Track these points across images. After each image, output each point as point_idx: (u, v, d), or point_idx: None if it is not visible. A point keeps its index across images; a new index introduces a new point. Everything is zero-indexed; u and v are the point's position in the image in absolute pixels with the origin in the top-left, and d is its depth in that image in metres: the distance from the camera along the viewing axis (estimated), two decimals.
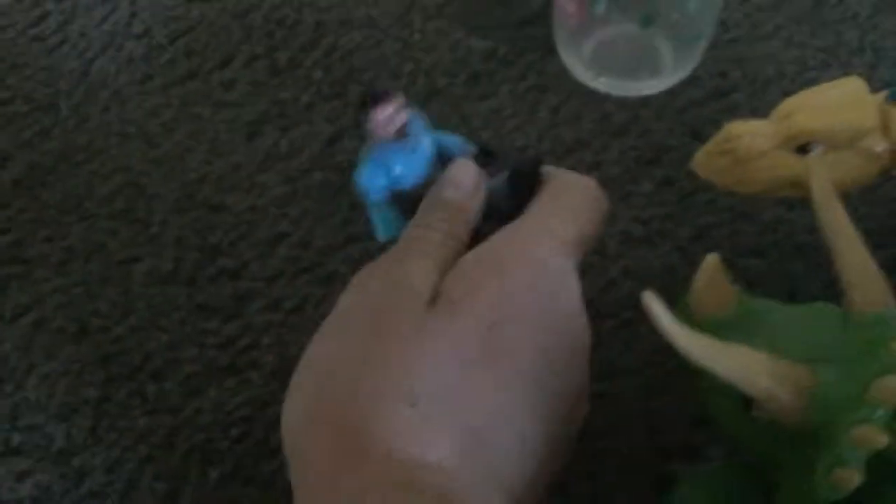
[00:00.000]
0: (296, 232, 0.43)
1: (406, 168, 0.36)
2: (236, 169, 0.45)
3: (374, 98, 0.35)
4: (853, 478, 0.26)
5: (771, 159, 0.39)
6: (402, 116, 0.36)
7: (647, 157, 0.47)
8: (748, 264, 0.43)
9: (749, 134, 0.39)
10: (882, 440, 0.26)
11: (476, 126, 0.48)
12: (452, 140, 0.38)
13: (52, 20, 0.52)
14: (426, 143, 0.37)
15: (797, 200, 0.45)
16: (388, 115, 0.35)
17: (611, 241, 0.43)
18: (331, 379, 0.26)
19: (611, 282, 0.42)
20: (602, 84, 0.49)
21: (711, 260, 0.31)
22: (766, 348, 0.29)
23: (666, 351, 0.39)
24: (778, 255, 0.43)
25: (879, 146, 0.38)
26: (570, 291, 0.30)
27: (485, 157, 0.37)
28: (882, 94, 0.39)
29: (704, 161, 0.40)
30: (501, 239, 0.30)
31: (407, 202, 0.36)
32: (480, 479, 0.26)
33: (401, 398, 0.25)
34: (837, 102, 0.39)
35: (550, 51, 0.50)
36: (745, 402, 0.30)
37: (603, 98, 0.49)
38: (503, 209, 0.34)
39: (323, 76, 0.49)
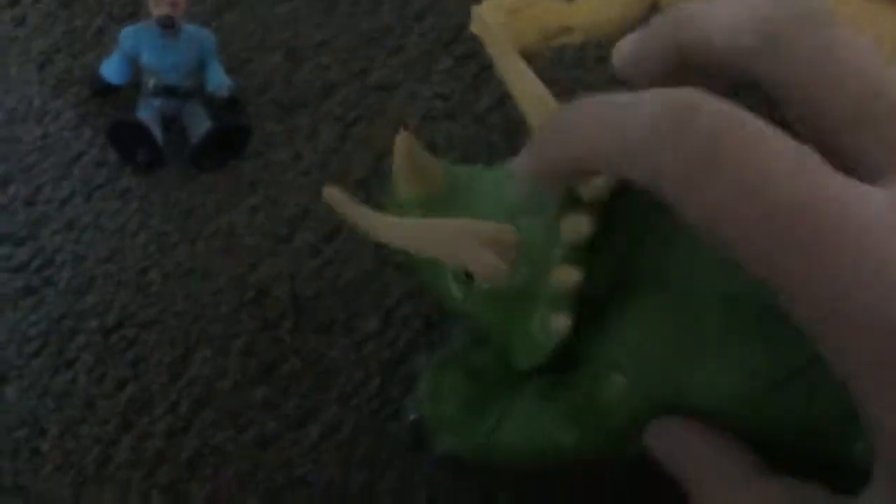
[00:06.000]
0: (90, 151, 0.42)
1: (152, 54, 0.41)
2: (28, 101, 0.44)
3: None
4: (564, 322, 0.26)
5: (540, 7, 0.39)
6: (170, 9, 0.38)
7: (446, 37, 0.47)
8: None
9: None
10: (577, 275, 0.26)
11: (274, 28, 0.47)
12: (219, 76, 0.42)
13: None
14: (185, 49, 0.42)
15: (590, 60, 0.45)
16: None
17: (413, 120, 0.43)
18: None
19: None
20: None
21: (404, 137, 0.29)
22: (471, 214, 0.28)
23: None
24: None
25: None
26: None
27: (230, 105, 0.43)
28: None
29: (480, 20, 0.40)
30: None
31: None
32: None
33: None
34: None
35: None
36: (467, 274, 0.29)
37: None
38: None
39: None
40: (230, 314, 0.37)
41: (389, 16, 0.48)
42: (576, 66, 0.45)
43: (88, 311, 0.37)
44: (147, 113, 0.41)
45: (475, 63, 0.45)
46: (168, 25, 0.40)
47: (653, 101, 0.21)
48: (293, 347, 0.37)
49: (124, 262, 0.39)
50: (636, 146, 0.21)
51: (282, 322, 0.37)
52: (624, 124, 0.21)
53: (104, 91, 0.43)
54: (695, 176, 0.20)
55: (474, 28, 0.40)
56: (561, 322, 0.26)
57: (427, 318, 0.37)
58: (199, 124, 0.41)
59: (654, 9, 0.39)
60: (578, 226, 0.26)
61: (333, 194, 0.27)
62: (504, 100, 0.44)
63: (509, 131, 0.43)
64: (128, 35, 0.42)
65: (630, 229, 0.28)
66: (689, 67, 0.24)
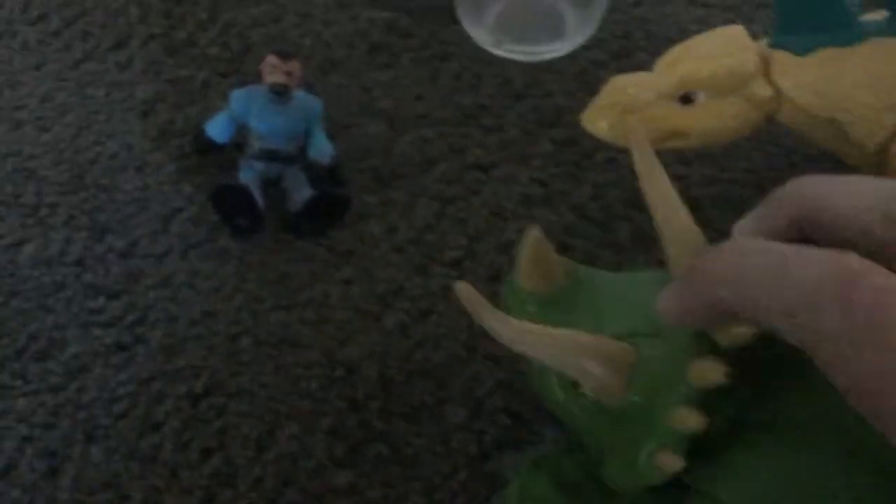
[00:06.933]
0: (189, 207, 0.42)
1: (261, 118, 0.42)
2: (128, 148, 0.44)
3: (275, 49, 0.42)
4: (675, 463, 0.25)
5: (655, 110, 0.39)
6: (285, 78, 0.39)
7: (547, 119, 0.46)
8: (647, 219, 0.42)
9: (633, 85, 0.39)
10: (699, 422, 0.25)
11: (376, 95, 0.47)
12: (322, 144, 0.43)
13: None
14: (294, 116, 0.42)
15: (695, 156, 0.45)
16: (276, 66, 0.39)
17: (509, 203, 0.43)
18: None
19: (508, 243, 0.41)
20: (504, 50, 0.49)
21: (533, 234, 0.29)
22: (591, 322, 0.28)
23: None
24: None
25: (765, 91, 0.38)
26: None
27: (330, 173, 0.43)
28: (763, 40, 0.39)
29: (592, 115, 0.40)
30: None
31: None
32: None
33: None
34: (719, 49, 0.39)
35: (452, 21, 0.50)
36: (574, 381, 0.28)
37: (505, 64, 0.49)
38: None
39: (220, 53, 0.48)
40: (319, 391, 0.37)
41: (489, 92, 0.48)
42: (677, 162, 0.45)
43: (178, 374, 0.37)
44: (249, 175, 0.41)
45: (576, 150, 0.45)
46: (281, 93, 0.40)
47: (818, 262, 0.21)
48: (380, 431, 0.36)
49: (216, 326, 0.38)
50: (797, 306, 0.21)
51: (369, 403, 0.37)
52: (785, 281, 0.21)
53: (206, 149, 0.43)
54: (853, 345, 0.20)
55: (585, 122, 0.40)
56: (673, 463, 0.25)
57: (516, 414, 0.37)
58: (301, 191, 0.41)
59: (770, 121, 0.39)
60: (711, 374, 0.25)
61: (465, 290, 0.26)
62: (604, 190, 0.43)
63: (609, 224, 0.42)
64: (238, 97, 0.42)
65: (754, 372, 0.27)
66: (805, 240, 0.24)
